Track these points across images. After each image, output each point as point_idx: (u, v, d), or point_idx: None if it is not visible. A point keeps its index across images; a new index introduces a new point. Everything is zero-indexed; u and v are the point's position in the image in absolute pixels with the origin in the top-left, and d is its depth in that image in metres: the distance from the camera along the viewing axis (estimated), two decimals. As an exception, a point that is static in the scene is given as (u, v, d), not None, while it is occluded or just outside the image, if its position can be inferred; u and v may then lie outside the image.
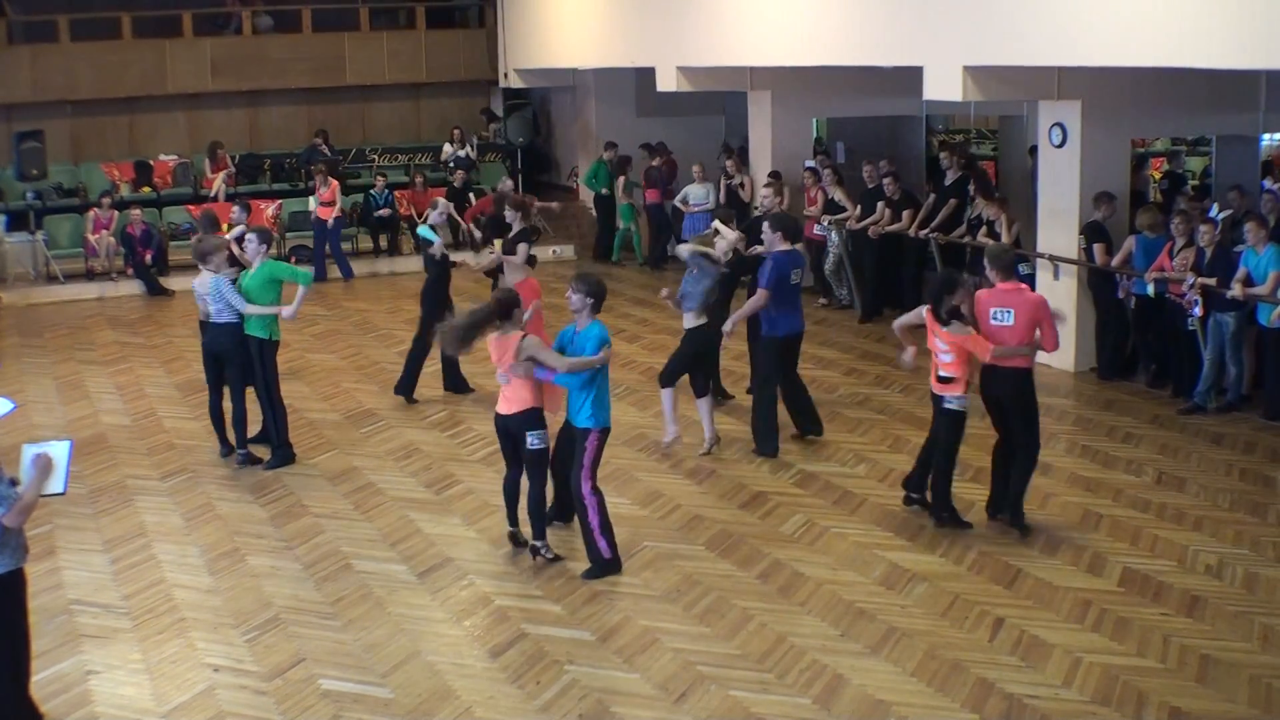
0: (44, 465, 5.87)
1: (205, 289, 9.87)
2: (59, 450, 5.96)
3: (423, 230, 12.01)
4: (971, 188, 13.83)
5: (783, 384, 10.12)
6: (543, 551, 8.02)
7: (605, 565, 7.82)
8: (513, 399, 7.82)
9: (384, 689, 6.54)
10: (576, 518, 7.97)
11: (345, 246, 18.77)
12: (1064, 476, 9.33)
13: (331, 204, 17.77)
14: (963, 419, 8.32)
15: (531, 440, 7.81)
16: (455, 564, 8.10)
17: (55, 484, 5.92)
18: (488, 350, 7.95)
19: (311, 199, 18.16)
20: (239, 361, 9.97)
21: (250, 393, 10.04)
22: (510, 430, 7.91)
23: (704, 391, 10.09)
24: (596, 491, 7.80)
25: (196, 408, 11.27)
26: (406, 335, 14.39)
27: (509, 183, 16.54)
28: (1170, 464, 9.65)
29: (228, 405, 10.11)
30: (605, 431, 7.80)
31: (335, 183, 18.03)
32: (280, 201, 18.70)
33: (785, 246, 9.75)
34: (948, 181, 14.32)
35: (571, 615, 7.33)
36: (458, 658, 6.87)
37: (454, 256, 12.11)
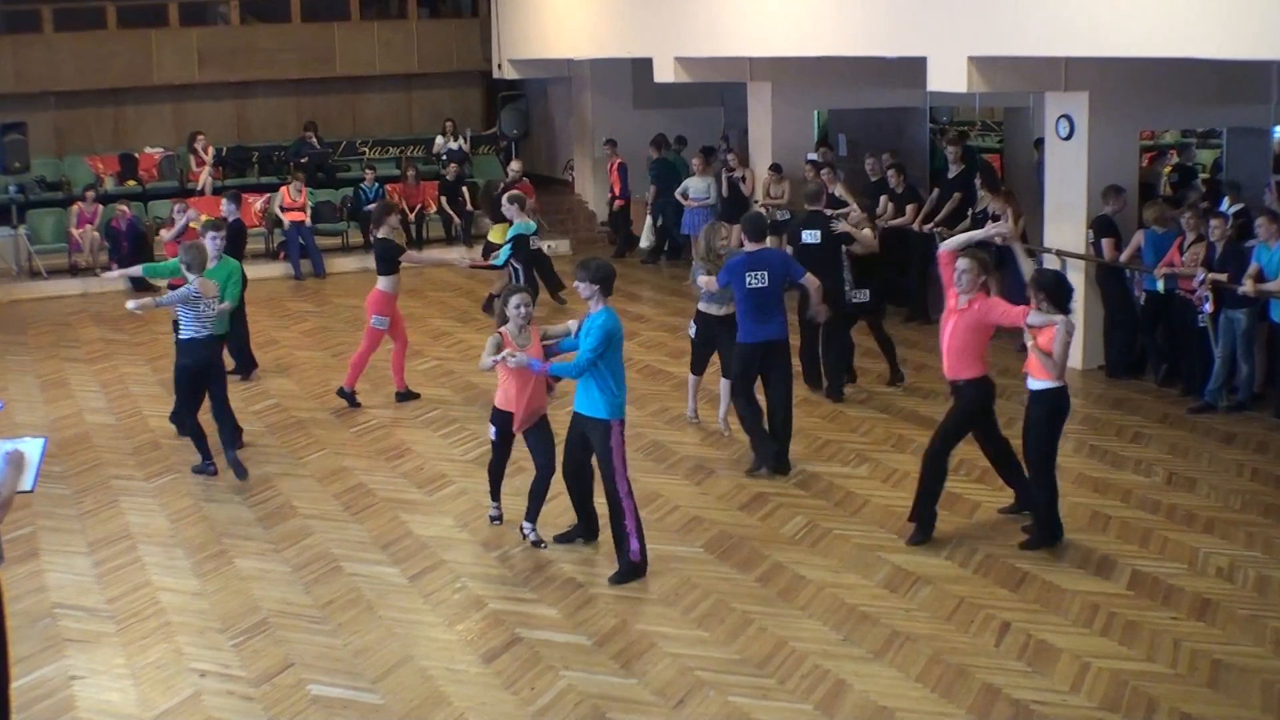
0: (16, 461, 5.86)
1: (212, 292, 9.67)
2: (32, 447, 5.96)
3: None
4: (977, 181, 13.83)
5: (768, 399, 9.73)
6: (526, 534, 8.38)
7: (634, 569, 7.81)
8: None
9: (374, 695, 6.53)
10: (610, 519, 7.92)
11: (336, 241, 18.83)
12: (1072, 477, 9.32)
13: (302, 209, 17.95)
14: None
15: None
16: (448, 566, 8.09)
17: (25, 481, 5.92)
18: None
19: (274, 197, 18.33)
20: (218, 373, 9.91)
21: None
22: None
23: (727, 373, 10.18)
24: (631, 493, 7.83)
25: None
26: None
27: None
28: (1180, 464, 9.65)
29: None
30: (623, 423, 7.81)
31: (305, 189, 18.31)
32: (269, 195, 18.69)
33: (752, 247, 9.43)
34: (951, 175, 14.31)
35: (567, 619, 7.32)
36: (450, 663, 6.85)
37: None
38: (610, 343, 7.62)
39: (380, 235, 11.43)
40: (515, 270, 12.10)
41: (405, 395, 11.70)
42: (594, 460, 7.96)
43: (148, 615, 7.48)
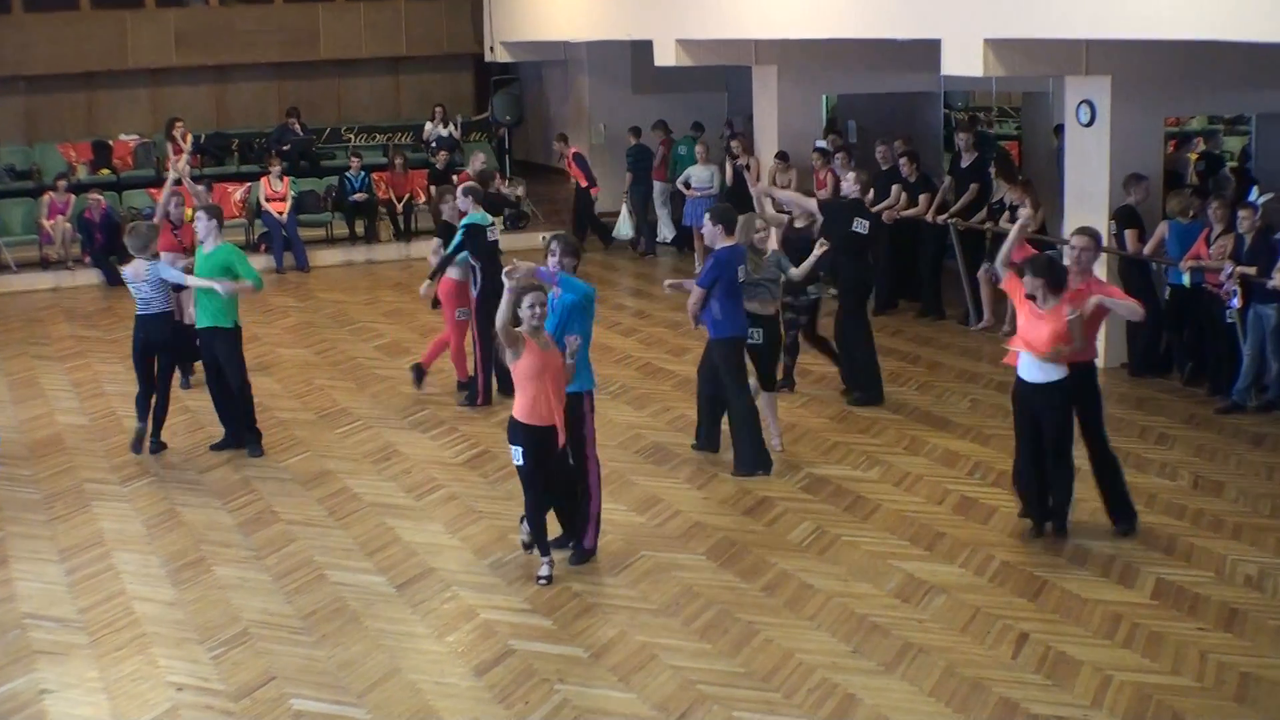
0: None
1: (142, 275, 9.95)
2: None
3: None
4: (992, 170, 13.82)
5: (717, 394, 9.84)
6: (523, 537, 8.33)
7: (587, 554, 8.18)
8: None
9: (360, 709, 6.52)
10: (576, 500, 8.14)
11: (320, 233, 18.81)
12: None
13: (283, 199, 17.94)
14: None
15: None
16: (437, 575, 8.08)
17: None
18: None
19: (255, 186, 18.27)
20: (172, 351, 10.43)
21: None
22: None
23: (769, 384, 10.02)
24: (600, 479, 8.22)
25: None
26: (386, 328, 14.46)
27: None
28: (1207, 467, 9.64)
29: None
30: (591, 394, 8.13)
31: (287, 179, 18.29)
32: (249, 185, 18.66)
33: (727, 242, 9.45)
34: (964, 164, 14.30)
35: (562, 630, 7.32)
36: (440, 676, 6.85)
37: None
38: (587, 306, 8.02)
39: (446, 219, 11.59)
40: (474, 268, 11.83)
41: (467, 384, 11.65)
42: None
43: (122, 626, 7.47)
